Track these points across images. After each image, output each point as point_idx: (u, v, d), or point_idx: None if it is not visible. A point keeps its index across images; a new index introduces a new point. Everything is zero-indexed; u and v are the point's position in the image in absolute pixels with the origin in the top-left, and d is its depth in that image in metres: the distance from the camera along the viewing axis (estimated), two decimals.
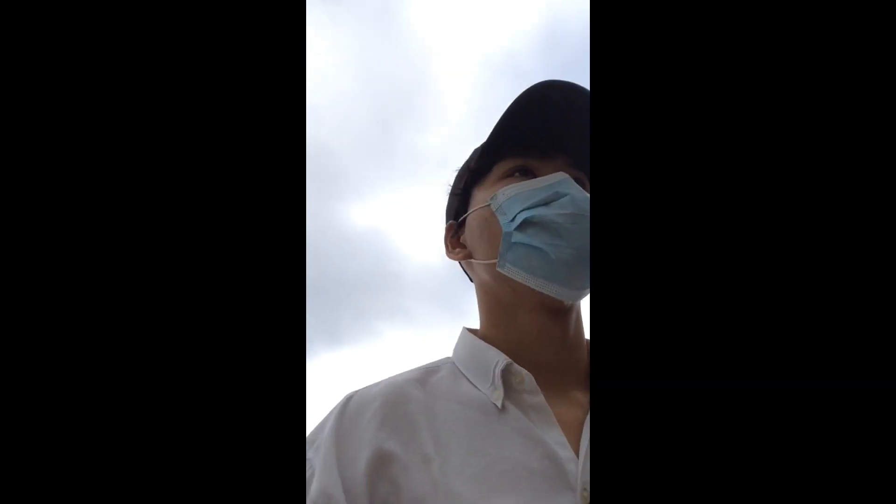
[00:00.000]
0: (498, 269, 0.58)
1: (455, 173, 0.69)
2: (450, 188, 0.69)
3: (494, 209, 0.59)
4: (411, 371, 0.59)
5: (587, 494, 0.47)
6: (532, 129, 0.59)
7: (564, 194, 0.56)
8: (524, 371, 0.54)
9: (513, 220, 0.57)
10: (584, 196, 0.56)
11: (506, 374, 0.54)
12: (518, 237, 0.56)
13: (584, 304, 0.60)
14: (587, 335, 0.61)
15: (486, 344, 0.59)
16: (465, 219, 0.65)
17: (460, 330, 0.64)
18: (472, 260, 0.63)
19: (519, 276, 0.56)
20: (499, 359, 0.56)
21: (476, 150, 0.66)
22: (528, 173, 0.60)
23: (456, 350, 0.63)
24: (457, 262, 0.67)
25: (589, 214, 0.55)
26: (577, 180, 0.59)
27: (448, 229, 0.68)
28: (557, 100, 0.58)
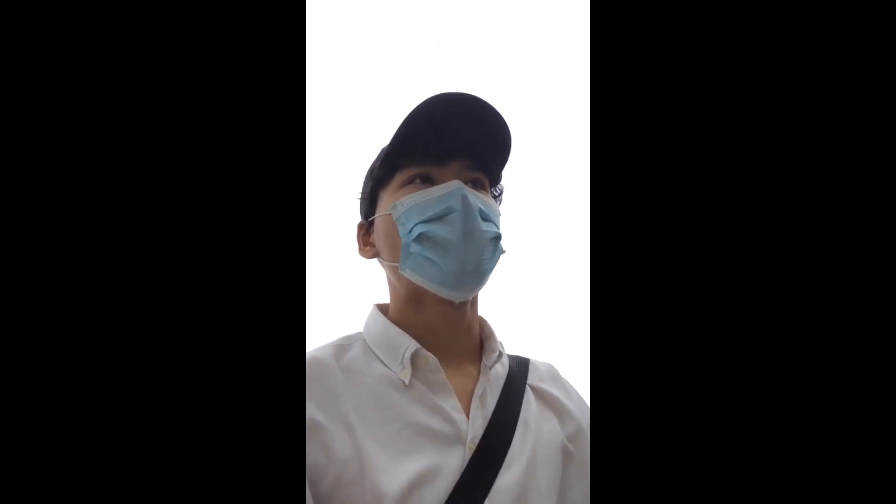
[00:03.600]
0: (400, 272, 0.67)
1: (364, 174, 0.75)
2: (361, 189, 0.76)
3: (395, 218, 0.67)
4: (326, 346, 0.69)
5: (473, 445, 0.62)
6: (427, 141, 0.66)
7: (455, 210, 0.64)
8: (430, 355, 0.66)
9: (410, 231, 0.65)
10: (473, 209, 0.64)
11: (414, 357, 0.66)
12: (415, 248, 0.65)
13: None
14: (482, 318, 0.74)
15: (398, 329, 0.69)
16: (373, 220, 0.72)
17: (371, 307, 0.74)
18: (380, 259, 0.71)
19: (417, 280, 0.66)
20: (409, 344, 0.66)
21: (379, 155, 0.72)
22: (427, 181, 0.67)
23: (367, 328, 0.72)
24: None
25: (476, 228, 0.64)
26: (475, 181, 0.68)
27: (359, 228, 0.75)
28: (453, 112, 0.65)
